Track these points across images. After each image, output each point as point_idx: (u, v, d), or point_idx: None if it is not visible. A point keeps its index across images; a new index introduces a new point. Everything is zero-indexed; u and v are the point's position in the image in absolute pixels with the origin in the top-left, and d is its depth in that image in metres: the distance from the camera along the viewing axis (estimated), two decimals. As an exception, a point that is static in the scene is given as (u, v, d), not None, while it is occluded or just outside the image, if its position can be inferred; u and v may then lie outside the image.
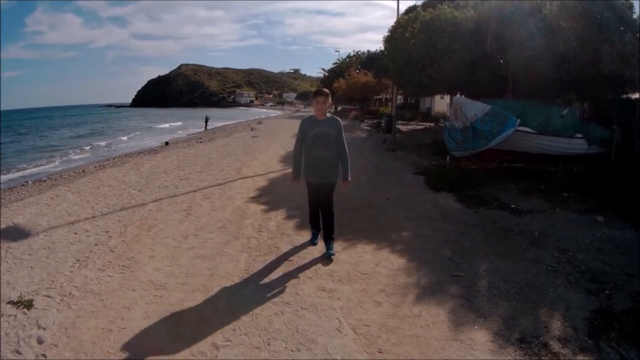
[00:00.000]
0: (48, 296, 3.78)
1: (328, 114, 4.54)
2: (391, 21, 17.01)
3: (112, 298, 3.70)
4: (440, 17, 12.53)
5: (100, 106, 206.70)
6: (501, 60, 11.58)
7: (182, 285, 3.92)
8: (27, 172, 15.63)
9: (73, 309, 3.53)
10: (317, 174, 4.49)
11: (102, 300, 3.68)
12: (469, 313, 3.43)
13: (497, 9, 11.19)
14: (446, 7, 13.06)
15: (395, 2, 70.54)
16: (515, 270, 4.26)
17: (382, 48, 19.66)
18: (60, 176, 11.79)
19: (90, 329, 3.22)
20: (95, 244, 5.09)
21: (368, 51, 38.76)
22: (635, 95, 9.83)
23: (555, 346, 3.03)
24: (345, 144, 4.52)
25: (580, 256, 4.64)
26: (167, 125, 32.74)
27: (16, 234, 5.58)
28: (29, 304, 3.61)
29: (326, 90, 4.55)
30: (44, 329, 3.25)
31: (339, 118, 4.57)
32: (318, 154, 4.41)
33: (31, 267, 4.44)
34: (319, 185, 4.55)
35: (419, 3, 19.52)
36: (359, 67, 36.23)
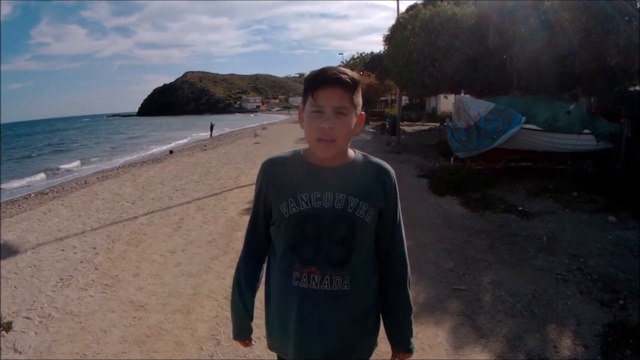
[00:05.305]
0: (28, 318, 3.62)
1: (355, 152, 1.36)
2: (394, 21, 16.68)
3: (91, 320, 3.51)
4: (440, 14, 12.19)
5: (107, 116, 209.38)
6: (504, 56, 11.24)
7: (162, 306, 3.69)
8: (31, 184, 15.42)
9: (50, 332, 3.36)
10: (308, 340, 1.30)
11: (80, 322, 3.49)
12: (470, 333, 3.13)
13: (498, 3, 10.86)
14: (446, 3, 12.75)
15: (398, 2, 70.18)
16: (522, 281, 3.95)
17: (384, 48, 19.38)
18: (63, 188, 11.64)
19: (65, 354, 3.05)
20: (81, 262, 4.91)
21: (372, 52, 38.51)
22: (644, 87, 9.44)
23: (565, 368, 2.73)
24: (405, 243, 1.41)
25: (591, 262, 4.32)
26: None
27: (5, 251, 5.43)
28: (7, 327, 3.44)
29: (350, 72, 1.23)
30: (20, 352, 3.11)
31: (390, 168, 1.36)
32: (309, 286, 1.28)
33: (15, 287, 4.29)
34: None
35: (420, 1, 19.15)
36: (362, 68, 35.97)
